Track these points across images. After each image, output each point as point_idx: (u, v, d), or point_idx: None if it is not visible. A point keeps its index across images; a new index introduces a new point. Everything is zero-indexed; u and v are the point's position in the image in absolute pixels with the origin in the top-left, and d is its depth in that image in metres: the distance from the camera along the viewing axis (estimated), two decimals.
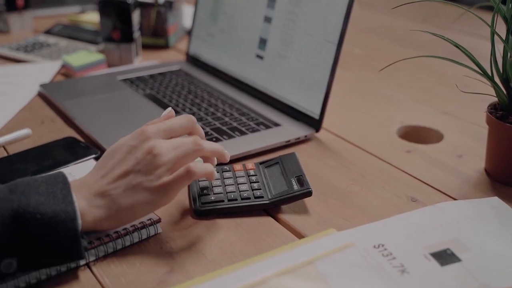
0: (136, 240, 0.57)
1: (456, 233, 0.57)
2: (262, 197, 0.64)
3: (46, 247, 0.48)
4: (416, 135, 0.87)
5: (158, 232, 0.59)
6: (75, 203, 0.50)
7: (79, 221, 0.50)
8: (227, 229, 0.61)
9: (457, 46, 0.67)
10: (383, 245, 0.55)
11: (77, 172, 0.67)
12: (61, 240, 0.49)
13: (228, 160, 0.62)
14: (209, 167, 0.57)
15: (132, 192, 0.54)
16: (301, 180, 0.65)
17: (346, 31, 0.78)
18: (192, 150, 0.57)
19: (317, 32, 0.81)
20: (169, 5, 1.20)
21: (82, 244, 0.50)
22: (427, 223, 0.59)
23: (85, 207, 0.52)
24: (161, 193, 0.54)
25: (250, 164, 0.70)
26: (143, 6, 1.19)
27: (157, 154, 0.55)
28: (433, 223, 0.59)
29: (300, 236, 0.60)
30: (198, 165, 0.56)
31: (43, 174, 0.53)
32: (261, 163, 0.71)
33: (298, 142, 0.81)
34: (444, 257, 0.54)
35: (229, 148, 0.75)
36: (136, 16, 1.09)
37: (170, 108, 0.62)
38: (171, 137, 0.58)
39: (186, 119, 0.60)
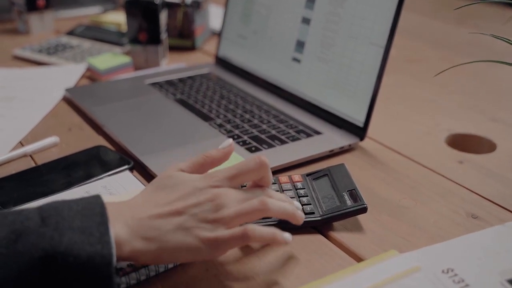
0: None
1: None
2: (313, 213, 0.59)
3: None
4: (466, 144, 0.81)
5: None
6: (112, 243, 0.44)
7: (114, 261, 0.44)
8: (276, 248, 0.56)
9: None
10: (452, 270, 0.50)
11: (113, 185, 0.63)
12: (93, 285, 0.43)
13: (301, 223, 0.55)
14: (269, 234, 0.50)
15: (182, 234, 0.48)
16: (354, 195, 0.60)
17: (395, 33, 0.73)
18: (255, 209, 0.51)
19: (363, 35, 0.76)
20: (196, 6, 1.16)
21: (115, 286, 0.44)
22: (498, 245, 0.54)
23: (125, 237, 0.46)
24: (211, 246, 0.48)
25: (296, 176, 0.65)
26: (170, 6, 1.15)
27: (219, 204, 0.50)
28: (506, 245, 0.54)
29: (356, 257, 0.55)
30: (257, 229, 0.50)
31: (80, 198, 0.47)
32: (308, 174, 0.66)
33: (342, 151, 0.76)
34: None
35: (270, 157, 0.70)
36: (163, 17, 1.05)
37: (230, 140, 0.56)
38: (240, 183, 0.53)
39: (255, 163, 0.53)
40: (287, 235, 0.51)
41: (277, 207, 0.52)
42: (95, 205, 0.46)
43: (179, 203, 0.50)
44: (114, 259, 0.44)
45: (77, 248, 0.43)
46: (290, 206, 0.54)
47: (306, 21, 0.86)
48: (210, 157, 0.55)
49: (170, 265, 0.52)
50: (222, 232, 0.49)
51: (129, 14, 1.03)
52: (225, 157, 0.56)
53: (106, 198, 0.47)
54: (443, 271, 0.50)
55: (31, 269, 0.42)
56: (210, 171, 0.55)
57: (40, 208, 0.45)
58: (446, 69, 0.66)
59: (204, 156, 0.55)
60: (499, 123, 0.87)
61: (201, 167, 0.55)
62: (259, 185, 0.56)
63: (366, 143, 0.78)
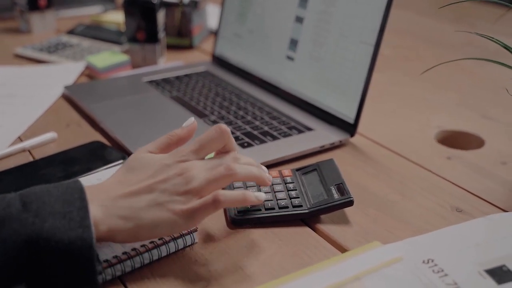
0: (172, 250, 0.54)
1: None
2: (301, 206, 0.61)
3: (59, 275, 0.45)
4: (455, 140, 0.83)
5: (194, 242, 0.56)
6: (92, 226, 0.46)
7: (95, 245, 0.46)
8: (264, 240, 0.58)
9: (506, 47, 0.63)
10: (432, 260, 0.52)
11: (107, 178, 0.64)
12: (75, 268, 0.45)
13: (269, 184, 0.58)
14: (239, 196, 0.53)
15: (156, 209, 0.50)
16: (341, 189, 0.61)
17: (384, 32, 0.74)
18: (223, 175, 0.53)
19: (353, 33, 0.78)
20: (194, 5, 1.18)
21: (97, 271, 0.46)
22: (479, 237, 0.55)
23: (101, 216, 0.48)
24: (186, 217, 0.51)
25: (286, 170, 0.67)
26: (168, 6, 1.16)
27: (188, 176, 0.52)
28: (485, 237, 0.55)
29: (341, 248, 0.57)
30: (228, 193, 0.52)
31: (59, 183, 0.49)
32: (297, 169, 0.67)
33: (333, 147, 0.77)
34: (501, 274, 0.50)
35: (262, 153, 0.73)
36: (161, 16, 1.07)
37: (192, 119, 0.58)
38: (205, 154, 0.55)
39: (215, 131, 0.55)
40: (258, 194, 0.54)
41: (244, 171, 0.54)
42: (75, 189, 0.48)
43: (149, 180, 0.52)
44: (94, 241, 0.46)
45: (59, 233, 0.44)
46: (257, 169, 0.56)
47: (299, 20, 0.87)
48: (175, 136, 0.57)
49: (155, 257, 0.54)
50: (195, 202, 0.51)
51: (128, 13, 1.05)
52: (189, 134, 0.58)
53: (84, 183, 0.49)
54: (423, 262, 0.52)
55: (15, 255, 0.43)
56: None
57: (21, 194, 0.47)
58: (433, 67, 0.68)
59: (169, 136, 0.57)
60: (489, 120, 0.88)
61: (167, 147, 0.57)
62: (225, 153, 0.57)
63: (356, 139, 0.80)
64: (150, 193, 0.51)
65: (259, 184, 0.58)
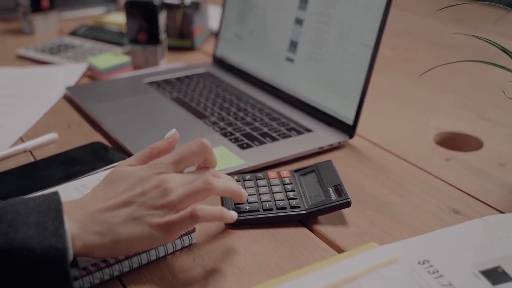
0: (170, 251, 0.55)
1: (508, 249, 0.54)
2: (299, 207, 0.61)
3: (33, 284, 0.44)
4: (454, 142, 0.83)
5: (192, 242, 0.57)
6: (68, 236, 0.45)
7: (70, 256, 0.46)
8: (261, 240, 0.58)
9: (504, 50, 0.63)
10: (428, 261, 0.52)
11: None
12: (49, 277, 0.45)
13: (244, 200, 0.58)
14: (216, 212, 0.52)
15: (132, 224, 0.49)
16: (339, 190, 0.62)
17: (383, 34, 0.75)
18: (200, 189, 0.52)
19: (352, 35, 0.78)
20: (195, 6, 1.18)
21: (71, 279, 0.45)
22: (475, 238, 0.56)
23: (77, 232, 0.48)
24: (163, 231, 0.50)
25: (285, 171, 0.67)
26: (169, 7, 1.17)
27: (166, 189, 0.51)
28: (481, 238, 0.56)
29: (338, 249, 0.57)
30: (205, 208, 0.51)
31: (37, 195, 0.48)
32: (296, 170, 0.68)
33: (332, 148, 0.78)
34: (495, 275, 0.50)
35: (261, 154, 0.73)
36: (162, 17, 1.07)
37: (174, 130, 0.57)
38: (184, 167, 0.55)
39: (198, 145, 0.54)
40: (233, 213, 0.54)
41: (221, 185, 0.54)
42: (51, 201, 0.47)
43: (126, 194, 0.51)
44: (70, 252, 0.45)
45: (31, 242, 0.44)
46: (235, 184, 0.56)
47: (299, 21, 0.88)
48: (156, 148, 0.56)
49: (153, 257, 0.54)
50: (172, 216, 0.50)
51: (129, 15, 1.05)
52: (170, 147, 0.57)
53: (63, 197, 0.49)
54: (419, 262, 0.52)
55: None
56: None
57: None
58: (432, 68, 0.68)
59: (150, 149, 0.56)
60: (488, 122, 0.89)
61: (148, 160, 0.56)
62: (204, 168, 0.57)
63: (355, 140, 0.80)
64: (127, 207, 0.50)
65: (235, 200, 0.57)
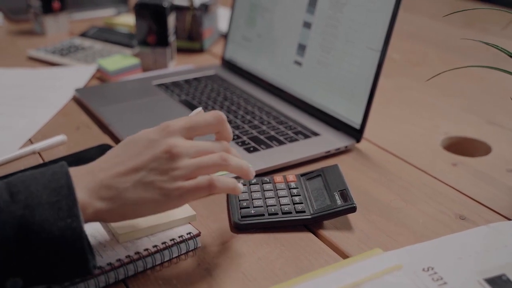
0: (175, 254, 0.55)
1: None
2: (304, 211, 0.61)
3: (52, 265, 0.45)
4: (461, 146, 0.83)
5: (197, 246, 0.57)
6: (80, 214, 0.46)
7: (85, 234, 0.46)
8: (266, 245, 0.59)
9: (511, 56, 0.63)
10: (432, 268, 0.52)
11: None
12: (67, 258, 0.45)
13: (252, 178, 0.57)
14: (232, 183, 0.53)
15: (142, 189, 0.49)
16: (344, 195, 0.62)
17: (390, 38, 0.75)
18: (216, 164, 0.52)
19: (360, 39, 0.78)
20: (205, 9, 1.19)
21: (89, 259, 0.46)
22: (480, 245, 0.56)
23: (86, 199, 0.48)
24: (173, 197, 0.50)
25: (291, 176, 0.67)
26: (179, 9, 1.18)
27: (175, 154, 0.50)
28: (486, 245, 0.55)
29: (343, 255, 0.57)
30: (222, 180, 0.52)
31: (46, 168, 0.48)
32: (302, 175, 0.68)
33: (338, 152, 0.78)
34: (500, 283, 0.50)
35: (267, 158, 0.73)
36: (171, 20, 1.08)
37: (200, 108, 0.57)
38: (196, 135, 0.54)
39: (213, 116, 0.54)
40: (240, 185, 0.54)
41: (235, 164, 0.54)
42: (61, 175, 0.47)
43: (135, 159, 0.51)
44: (84, 229, 0.46)
45: (48, 224, 0.44)
46: (245, 163, 0.56)
47: (307, 25, 0.88)
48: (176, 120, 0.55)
49: (158, 261, 0.54)
50: (186, 183, 0.50)
51: (139, 17, 1.06)
52: None
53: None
54: (423, 269, 0.52)
55: (6, 247, 0.44)
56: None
57: (7, 183, 0.47)
58: (440, 73, 0.68)
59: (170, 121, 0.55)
60: (496, 127, 0.88)
61: None
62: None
63: (363, 144, 0.80)
64: (137, 172, 0.50)
65: (244, 178, 0.56)
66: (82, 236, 0.45)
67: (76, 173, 0.49)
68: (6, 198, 0.45)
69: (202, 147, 0.53)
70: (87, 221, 0.48)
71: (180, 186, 0.50)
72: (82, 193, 0.48)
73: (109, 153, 0.53)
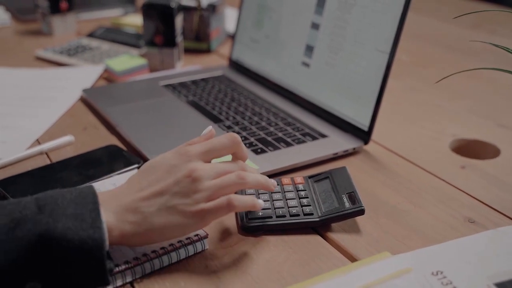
0: (183, 256, 0.55)
1: None
2: (312, 214, 0.61)
3: (71, 273, 0.47)
4: (470, 149, 0.82)
5: (205, 248, 0.57)
6: (104, 228, 0.48)
7: (106, 246, 0.48)
8: (274, 247, 0.58)
9: None
10: (442, 272, 0.52)
11: (121, 182, 0.65)
12: (86, 267, 0.47)
13: (273, 189, 0.59)
14: (250, 201, 0.55)
15: (166, 213, 0.52)
16: (353, 197, 0.62)
17: (399, 40, 0.74)
18: (234, 182, 0.55)
19: (368, 41, 0.78)
20: (212, 9, 1.19)
21: (107, 270, 0.48)
22: (490, 249, 0.55)
23: (113, 222, 0.50)
24: (197, 219, 0.53)
25: (299, 178, 0.67)
26: (186, 10, 1.18)
27: (196, 178, 0.53)
28: (496, 250, 0.55)
29: (351, 258, 0.57)
30: (240, 199, 0.54)
31: (74, 188, 0.51)
32: (310, 177, 0.68)
33: (346, 154, 0.78)
34: None
35: (275, 160, 0.73)
36: (179, 20, 1.08)
37: (210, 127, 0.60)
38: (213, 158, 0.57)
39: (228, 139, 0.57)
40: (260, 201, 0.56)
41: (253, 180, 0.56)
42: (88, 194, 0.50)
43: (159, 184, 0.53)
44: (106, 243, 0.47)
45: (70, 233, 0.46)
46: (262, 177, 0.58)
47: (315, 26, 0.87)
48: (191, 142, 0.58)
49: (165, 263, 0.54)
50: (206, 204, 0.53)
51: (146, 17, 1.06)
52: None
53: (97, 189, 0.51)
54: (432, 273, 0.52)
55: (29, 253, 0.45)
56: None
57: (37, 198, 0.49)
58: (449, 76, 0.68)
59: (187, 145, 0.58)
60: (504, 129, 0.88)
61: None
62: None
63: (371, 146, 0.80)
64: (161, 196, 0.52)
65: (265, 190, 0.59)
66: (102, 246, 0.47)
67: (104, 196, 0.52)
68: (34, 210, 0.47)
69: (221, 169, 0.55)
70: (112, 243, 0.50)
71: (203, 208, 0.53)
72: (109, 216, 0.50)
73: (130, 180, 0.56)
